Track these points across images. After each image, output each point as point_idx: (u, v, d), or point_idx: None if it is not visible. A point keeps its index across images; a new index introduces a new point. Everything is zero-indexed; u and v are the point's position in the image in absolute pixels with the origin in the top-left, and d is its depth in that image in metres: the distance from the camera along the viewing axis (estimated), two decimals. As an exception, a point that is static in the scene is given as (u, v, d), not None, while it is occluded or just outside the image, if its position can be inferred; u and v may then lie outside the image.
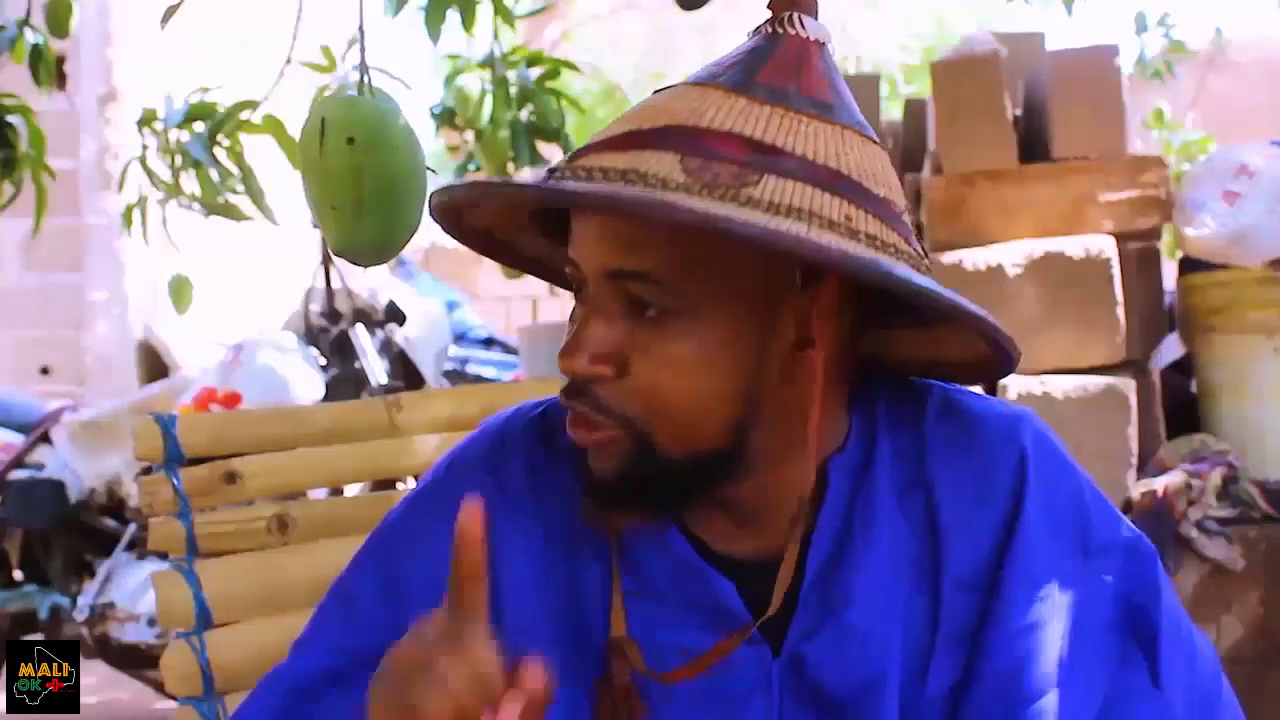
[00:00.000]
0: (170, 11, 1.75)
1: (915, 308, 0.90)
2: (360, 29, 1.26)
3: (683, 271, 0.88)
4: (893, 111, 5.52)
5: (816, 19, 0.94)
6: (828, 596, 0.95)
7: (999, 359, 0.96)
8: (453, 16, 2.13)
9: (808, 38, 0.93)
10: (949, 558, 0.95)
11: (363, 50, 1.22)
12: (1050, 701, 0.92)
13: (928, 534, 0.96)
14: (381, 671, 0.83)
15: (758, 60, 0.91)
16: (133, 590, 3.32)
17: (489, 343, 5.14)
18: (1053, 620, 0.94)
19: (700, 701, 0.96)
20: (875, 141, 0.94)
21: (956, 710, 0.94)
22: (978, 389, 1.08)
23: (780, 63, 0.91)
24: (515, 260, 1.08)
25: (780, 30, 0.93)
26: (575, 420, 0.92)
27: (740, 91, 0.89)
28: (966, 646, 0.95)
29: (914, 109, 3.81)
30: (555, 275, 1.05)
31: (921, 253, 0.91)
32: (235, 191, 2.35)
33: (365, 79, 1.18)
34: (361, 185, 1.09)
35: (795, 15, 0.93)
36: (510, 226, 1.03)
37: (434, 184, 1.13)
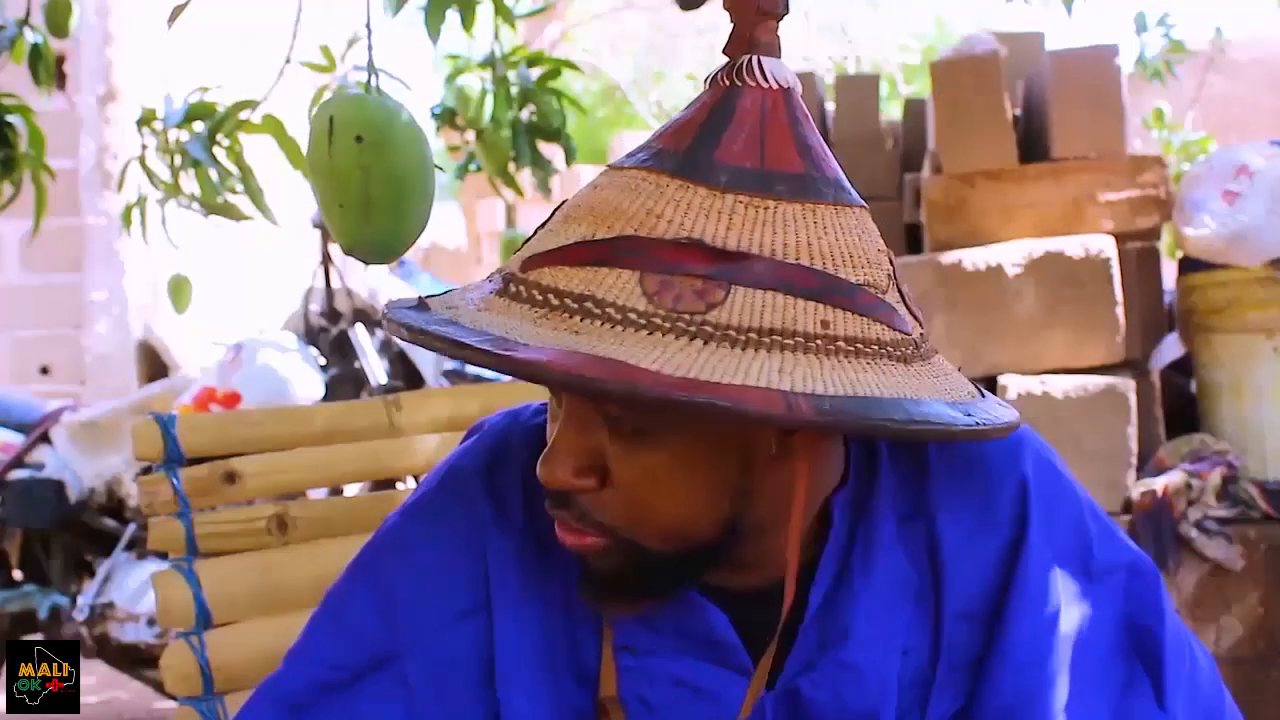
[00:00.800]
0: (177, 11, 1.75)
1: None
2: (367, 27, 1.26)
3: (658, 412, 0.83)
4: (893, 111, 5.53)
5: (779, 56, 0.87)
6: (826, 631, 0.94)
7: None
8: (453, 16, 2.13)
9: (769, 88, 0.85)
10: (950, 588, 0.94)
11: (370, 49, 1.22)
12: None
13: (928, 564, 0.95)
14: None
15: (715, 131, 0.84)
16: (133, 590, 3.32)
17: (489, 343, 5.13)
18: (1057, 649, 0.93)
19: None
20: (853, 204, 0.86)
21: None
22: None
23: (739, 129, 0.84)
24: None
25: (738, 83, 0.85)
26: (561, 525, 0.89)
27: (697, 181, 0.82)
28: (968, 675, 0.95)
29: (914, 109, 3.81)
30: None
31: (908, 330, 0.85)
32: (235, 191, 2.35)
33: (372, 78, 1.18)
34: (370, 184, 1.10)
35: (754, 61, 0.86)
36: None
37: (441, 182, 1.13)
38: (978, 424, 0.83)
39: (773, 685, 0.95)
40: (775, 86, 0.86)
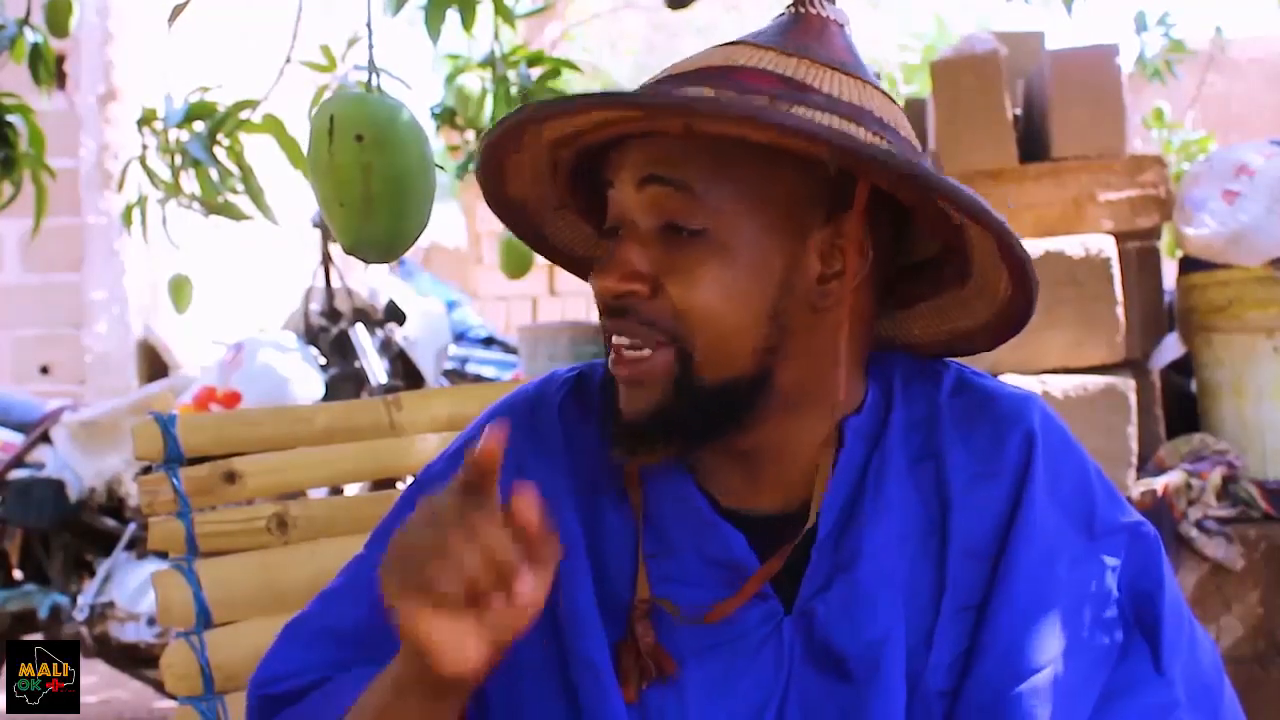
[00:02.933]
0: (177, 11, 1.75)
1: (928, 269, 0.98)
2: (368, 26, 1.27)
3: (718, 187, 0.92)
4: (893, 111, 5.51)
5: (834, 2, 1.01)
6: (840, 553, 0.97)
7: (1012, 310, 1.00)
8: (453, 16, 2.13)
9: (829, 17, 0.99)
10: (956, 527, 0.97)
11: (371, 49, 1.23)
12: (1046, 677, 0.93)
13: (936, 503, 0.98)
14: (392, 555, 0.83)
15: (785, 27, 0.98)
16: (133, 590, 3.32)
17: (489, 342, 5.15)
18: (1056, 596, 0.96)
19: (712, 656, 0.97)
20: (895, 101, 0.99)
21: (960, 681, 0.95)
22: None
23: (805, 30, 0.98)
24: (542, 244, 1.09)
25: (804, 10, 0.99)
26: (617, 352, 0.95)
27: (770, 46, 0.95)
28: (971, 616, 0.96)
29: (914, 108, 3.81)
30: (576, 266, 1.09)
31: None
32: (235, 191, 2.35)
33: (373, 77, 1.18)
34: (371, 182, 1.10)
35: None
36: (544, 201, 1.05)
37: (441, 182, 1.13)
38: (1007, 227, 0.93)
39: (790, 610, 0.98)
40: (834, 19, 1.00)
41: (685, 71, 0.95)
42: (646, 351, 0.93)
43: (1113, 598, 0.98)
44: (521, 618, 0.82)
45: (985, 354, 1.05)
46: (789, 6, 1.00)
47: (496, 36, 2.55)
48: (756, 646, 0.97)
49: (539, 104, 0.95)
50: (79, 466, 3.44)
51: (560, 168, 1.03)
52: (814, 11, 0.99)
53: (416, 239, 1.16)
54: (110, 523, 3.48)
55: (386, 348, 3.68)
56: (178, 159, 2.38)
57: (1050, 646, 0.94)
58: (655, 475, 1.00)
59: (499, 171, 1.01)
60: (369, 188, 1.09)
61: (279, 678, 1.01)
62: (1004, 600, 0.95)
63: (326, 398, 3.42)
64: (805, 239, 0.94)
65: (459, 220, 8.72)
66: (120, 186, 2.64)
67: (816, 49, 0.96)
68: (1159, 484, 2.76)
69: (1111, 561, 0.99)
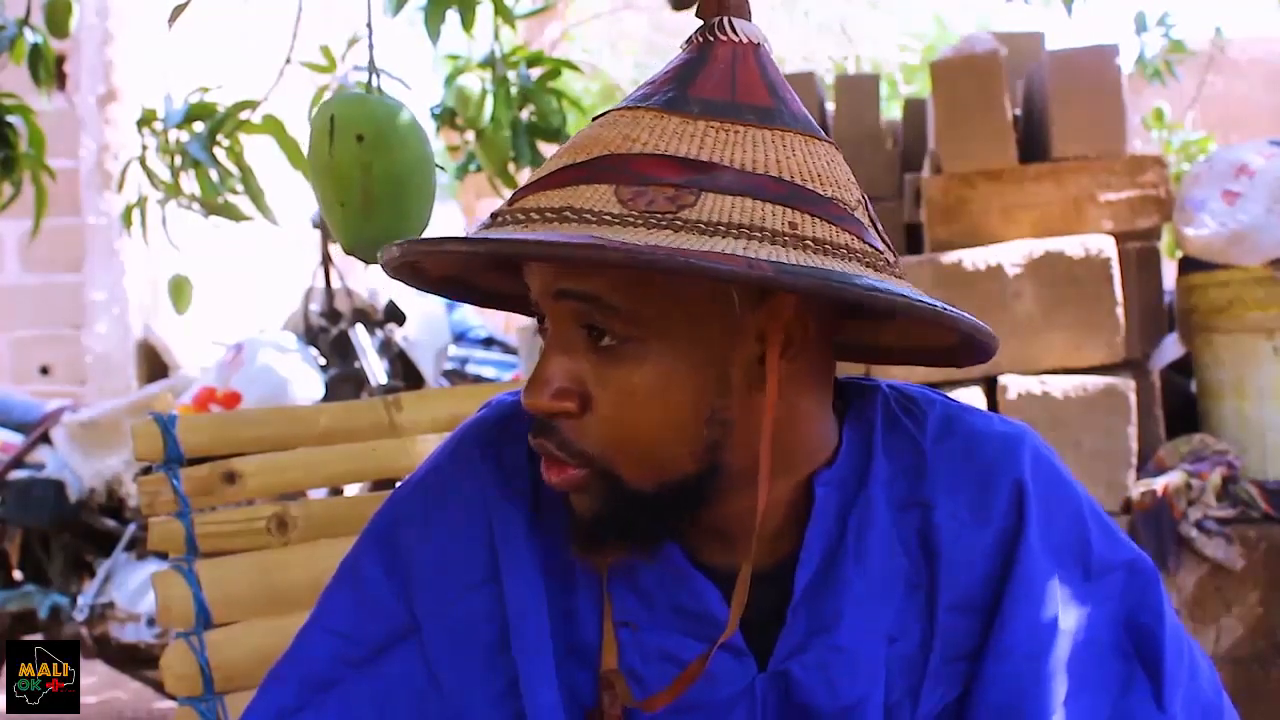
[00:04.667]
0: (177, 11, 1.75)
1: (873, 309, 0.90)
2: (368, 26, 1.26)
3: (633, 295, 0.85)
4: (893, 111, 5.53)
5: (749, 20, 0.93)
6: (817, 614, 0.94)
7: (975, 344, 0.94)
8: (452, 17, 2.13)
9: (740, 41, 0.91)
10: (944, 579, 0.94)
11: (371, 49, 1.22)
12: None
13: (923, 555, 0.95)
14: None
15: (689, 74, 0.89)
16: (133, 590, 3.32)
17: (488, 342, 5.14)
18: (1054, 646, 0.93)
19: (684, 714, 0.95)
20: (822, 139, 0.90)
21: None
22: (979, 398, 1.07)
23: (713, 73, 0.89)
24: (483, 299, 1.05)
25: (711, 38, 0.91)
26: (545, 461, 0.91)
27: (672, 111, 0.87)
28: (962, 667, 0.95)
29: (914, 109, 3.81)
30: (524, 307, 1.03)
31: (879, 247, 0.88)
32: (235, 191, 2.35)
33: (373, 77, 1.18)
34: (371, 182, 1.09)
35: (725, 20, 0.91)
36: (470, 269, 1.01)
37: (441, 182, 1.13)
38: (946, 309, 0.85)
39: (764, 667, 0.95)
40: (746, 41, 0.91)
41: (581, 162, 0.86)
42: (570, 471, 0.89)
43: (1112, 635, 0.97)
44: None
45: None
46: (696, 34, 0.92)
47: (496, 37, 2.55)
48: (728, 705, 0.95)
49: (409, 245, 0.88)
50: (79, 467, 3.44)
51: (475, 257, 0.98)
52: (723, 39, 0.90)
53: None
54: (110, 523, 3.48)
55: (386, 348, 3.68)
56: (178, 159, 2.38)
57: (1055, 696, 0.92)
58: None
59: (412, 270, 0.97)
60: (369, 188, 1.09)
61: None
62: (1002, 653, 0.93)
63: (326, 398, 3.42)
64: (736, 328, 0.87)
65: (459, 220, 8.72)
66: (120, 187, 2.64)
67: (725, 101, 0.87)
68: (1159, 484, 2.76)
69: (1109, 600, 0.97)
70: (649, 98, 0.89)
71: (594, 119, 0.93)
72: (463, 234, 0.89)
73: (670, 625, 0.96)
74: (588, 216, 0.82)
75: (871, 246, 0.87)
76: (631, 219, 0.82)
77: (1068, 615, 0.95)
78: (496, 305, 1.06)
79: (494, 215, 0.89)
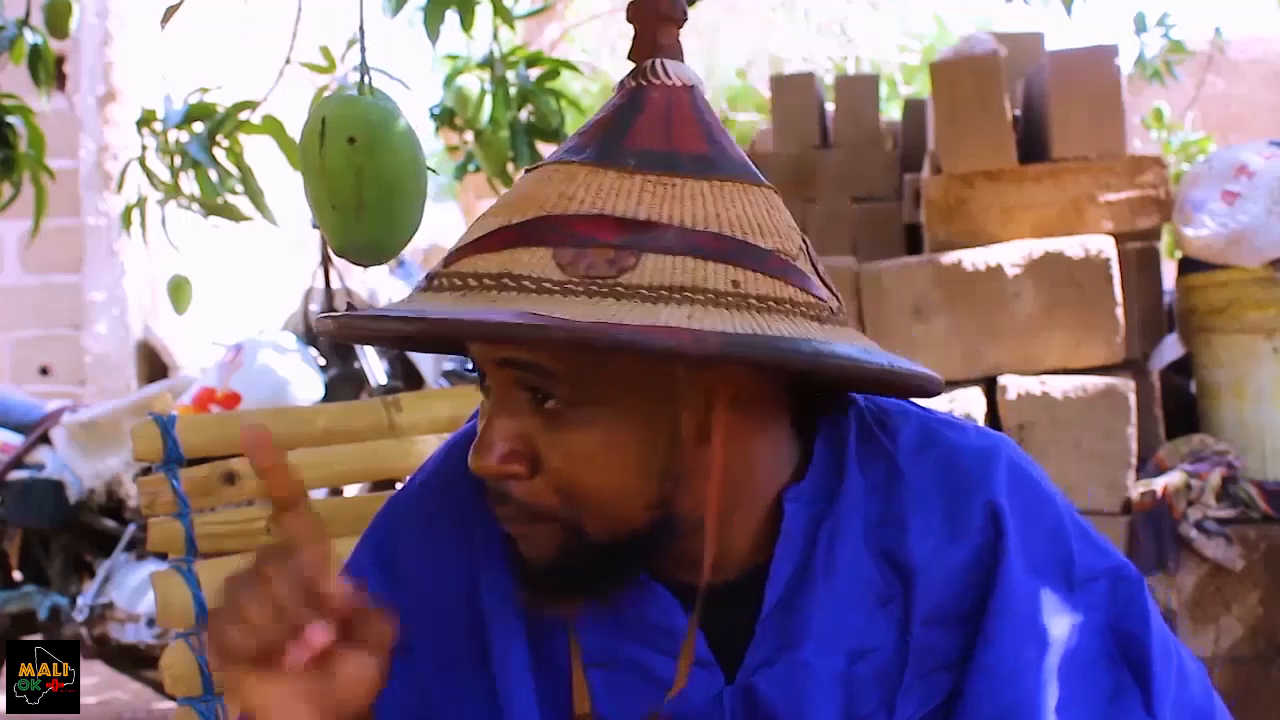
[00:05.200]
0: (170, 12, 1.75)
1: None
2: (360, 29, 1.26)
3: (576, 362, 0.85)
4: (893, 111, 5.53)
5: (682, 60, 0.92)
6: (785, 629, 0.94)
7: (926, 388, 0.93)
8: (451, 17, 2.13)
9: (674, 85, 0.90)
10: (919, 594, 0.94)
11: (363, 50, 1.22)
12: None
13: (896, 569, 0.95)
14: (209, 621, 0.83)
15: (624, 122, 0.89)
16: (132, 590, 3.32)
17: (489, 343, 5.14)
18: (1040, 659, 0.93)
19: None
20: (760, 184, 0.90)
21: None
22: (979, 398, 1.07)
23: (648, 121, 0.88)
24: (438, 348, 1.04)
25: (644, 83, 0.90)
26: (503, 521, 0.90)
27: (607, 165, 0.86)
28: (943, 677, 0.94)
29: (914, 109, 3.82)
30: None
31: (823, 297, 0.88)
32: (234, 192, 2.35)
33: (366, 79, 1.18)
34: (362, 185, 1.09)
35: (658, 64, 0.90)
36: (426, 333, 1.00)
37: (434, 184, 1.12)
38: (892, 366, 0.86)
39: (733, 680, 0.95)
40: (680, 84, 0.90)
41: (517, 223, 0.85)
42: (537, 528, 0.89)
43: (1099, 644, 0.96)
44: (350, 679, 0.83)
45: (986, 355, 1.03)
46: (628, 78, 0.91)
47: (495, 37, 2.55)
48: (697, 717, 0.94)
49: (346, 319, 0.87)
50: (79, 467, 3.44)
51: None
52: (657, 83, 0.89)
53: (408, 243, 1.15)
54: (110, 523, 3.48)
55: (386, 348, 3.68)
56: (177, 160, 2.38)
57: (1046, 706, 0.92)
58: None
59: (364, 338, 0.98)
60: (360, 190, 1.09)
61: None
62: (988, 670, 0.92)
63: (326, 398, 3.41)
64: (684, 387, 0.86)
65: (459, 220, 8.72)
66: (120, 187, 2.64)
67: (661, 153, 0.86)
68: (1159, 484, 2.76)
69: (1094, 609, 0.96)
70: (582, 150, 0.88)
71: (527, 171, 0.91)
72: (403, 294, 0.88)
73: (643, 639, 0.95)
74: (527, 284, 0.81)
75: (816, 297, 0.87)
76: (572, 286, 0.81)
77: (1053, 627, 0.94)
78: (454, 352, 1.05)
79: (430, 278, 0.87)
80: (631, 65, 0.92)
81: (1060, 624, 0.95)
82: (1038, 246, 2.94)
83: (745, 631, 0.94)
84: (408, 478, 1.08)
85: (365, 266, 1.17)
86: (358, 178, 1.09)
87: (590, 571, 0.90)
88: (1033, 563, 0.95)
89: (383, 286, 3.89)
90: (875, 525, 0.95)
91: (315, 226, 3.73)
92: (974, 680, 0.93)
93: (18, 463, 3.49)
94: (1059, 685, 0.93)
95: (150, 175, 2.47)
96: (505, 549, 0.96)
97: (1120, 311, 2.91)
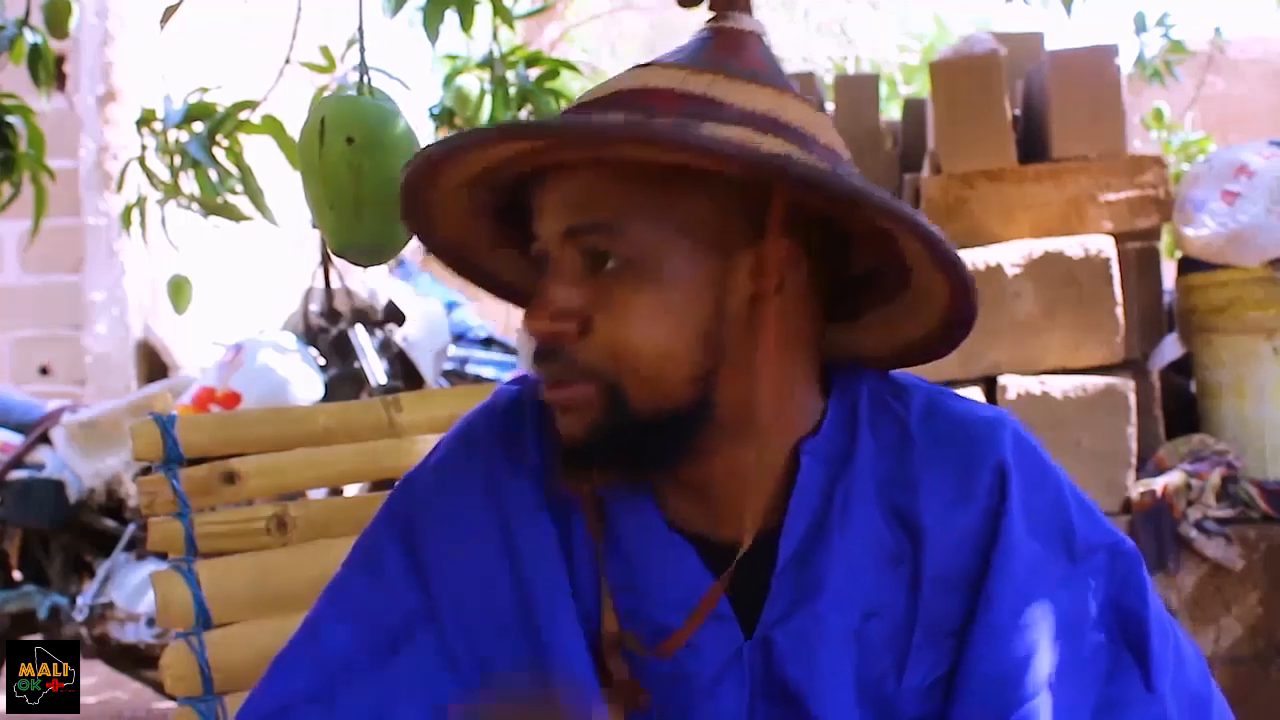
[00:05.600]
0: (169, 12, 1.75)
1: (871, 279, 0.98)
2: (360, 29, 1.26)
3: (639, 218, 0.90)
4: (892, 111, 5.53)
5: (751, 15, 1.00)
6: (801, 585, 0.96)
7: (957, 314, 0.97)
8: (451, 17, 2.13)
9: (746, 29, 0.97)
10: (929, 556, 0.96)
11: (362, 50, 1.22)
12: (1040, 704, 0.92)
13: (907, 531, 0.97)
14: None
15: (700, 45, 0.96)
16: (132, 590, 3.32)
17: (488, 342, 5.14)
18: (1040, 623, 0.95)
19: (675, 686, 0.97)
20: (821, 112, 0.96)
21: (945, 707, 0.95)
22: (979, 398, 1.09)
23: (720, 46, 0.96)
24: (481, 280, 1.08)
25: (719, 25, 0.98)
26: (549, 385, 0.94)
27: (682, 65, 0.94)
28: (948, 644, 0.96)
29: (913, 109, 3.81)
30: (518, 298, 1.07)
31: None
32: (234, 192, 2.35)
33: (365, 79, 1.18)
34: (361, 185, 1.09)
35: (734, 12, 0.98)
36: (476, 238, 1.04)
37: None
38: (931, 230, 0.91)
39: (751, 634, 0.97)
40: (752, 30, 0.98)
41: (599, 97, 0.94)
42: (576, 387, 0.92)
43: (1097, 617, 0.98)
44: None
45: (986, 355, 1.06)
46: (706, 23, 0.99)
47: (495, 37, 2.55)
48: (717, 674, 0.97)
49: (440, 142, 0.93)
50: (79, 467, 3.44)
51: (483, 208, 1.01)
52: (729, 26, 0.97)
53: (406, 243, 1.15)
54: (110, 523, 3.48)
55: (386, 348, 3.68)
56: (177, 160, 2.38)
57: (1041, 671, 0.94)
58: (618, 499, 1.00)
59: (426, 219, 1.01)
60: (359, 190, 1.09)
61: (266, 714, 0.99)
62: (988, 629, 0.94)
63: (326, 398, 3.41)
64: (733, 259, 0.92)
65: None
66: (120, 187, 2.64)
67: (731, 63, 0.94)
68: (1159, 484, 2.76)
69: (1093, 581, 0.99)
70: (659, 59, 0.96)
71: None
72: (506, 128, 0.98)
73: (662, 597, 0.98)
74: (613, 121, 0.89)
75: None
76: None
77: (1052, 593, 0.96)
78: (494, 290, 1.09)
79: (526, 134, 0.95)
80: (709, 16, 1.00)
81: (1061, 590, 0.97)
82: (1037, 246, 2.94)
83: (760, 589, 0.97)
84: (418, 463, 1.09)
85: (363, 266, 1.17)
86: (356, 177, 1.09)
87: (627, 447, 0.93)
88: (1034, 528, 0.98)
89: (383, 286, 3.89)
90: (887, 486, 0.98)
91: (315, 226, 3.73)
92: (976, 637, 0.95)
93: (18, 462, 3.49)
94: (1060, 653, 0.95)
95: (150, 175, 2.47)
96: (547, 492, 1.00)
97: (1120, 311, 2.91)
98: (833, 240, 0.97)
